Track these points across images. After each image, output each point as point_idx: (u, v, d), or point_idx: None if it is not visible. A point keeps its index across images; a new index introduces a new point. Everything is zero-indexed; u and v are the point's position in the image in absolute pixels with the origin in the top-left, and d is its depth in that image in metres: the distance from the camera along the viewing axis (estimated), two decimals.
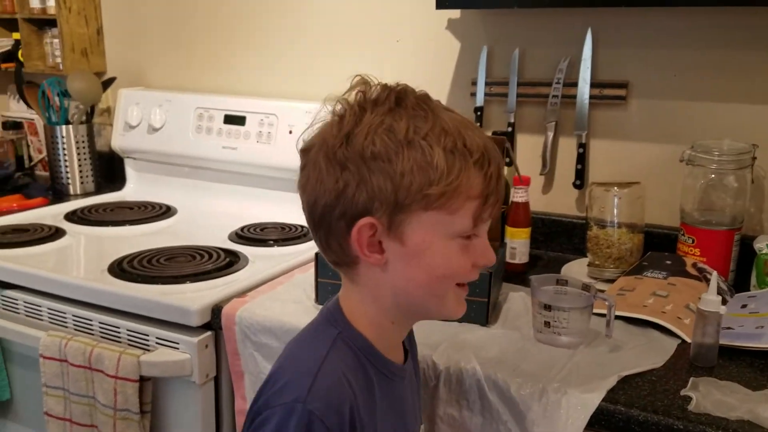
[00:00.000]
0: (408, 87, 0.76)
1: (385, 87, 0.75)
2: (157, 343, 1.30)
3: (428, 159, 0.71)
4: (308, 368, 0.75)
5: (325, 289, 1.26)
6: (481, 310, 1.19)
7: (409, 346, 0.91)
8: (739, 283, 1.38)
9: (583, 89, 1.53)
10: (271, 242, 1.63)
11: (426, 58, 1.73)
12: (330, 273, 1.25)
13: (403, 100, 0.74)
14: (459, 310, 0.83)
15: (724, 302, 1.24)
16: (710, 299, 1.05)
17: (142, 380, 1.28)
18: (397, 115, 0.72)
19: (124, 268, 1.44)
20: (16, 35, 2.28)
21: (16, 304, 1.49)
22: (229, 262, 1.49)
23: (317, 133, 0.77)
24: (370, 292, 0.80)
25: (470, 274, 0.80)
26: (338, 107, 0.76)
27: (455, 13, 1.66)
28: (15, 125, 2.35)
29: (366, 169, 0.71)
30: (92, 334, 1.38)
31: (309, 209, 0.78)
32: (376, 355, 0.81)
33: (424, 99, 0.76)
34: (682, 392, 0.97)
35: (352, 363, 0.79)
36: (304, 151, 0.78)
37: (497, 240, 1.37)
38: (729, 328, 1.14)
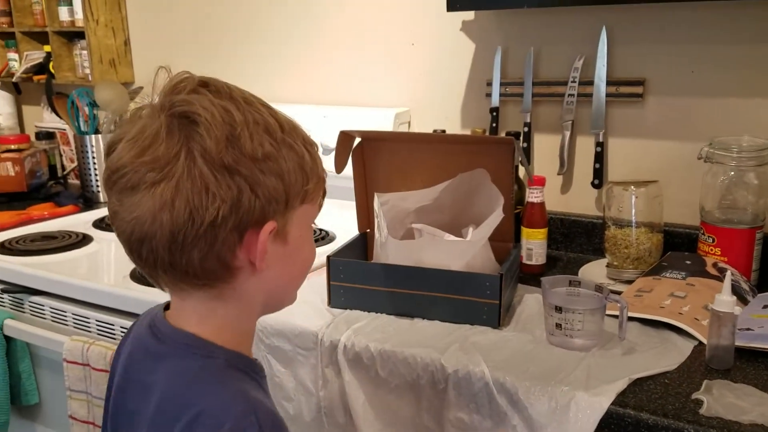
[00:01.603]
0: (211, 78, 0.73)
1: (198, 78, 0.73)
2: None
3: (300, 154, 0.71)
4: (243, 408, 0.67)
5: (337, 292, 1.27)
6: (493, 312, 1.18)
7: None
8: (762, 283, 1.34)
9: (600, 87, 1.51)
10: None
11: (441, 60, 1.73)
12: (342, 276, 1.26)
13: (232, 93, 0.71)
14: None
15: (744, 302, 1.22)
16: (724, 299, 1.02)
17: None
18: (254, 109, 0.69)
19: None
20: (47, 48, 2.35)
21: (43, 309, 1.53)
22: None
23: (160, 142, 0.65)
24: (242, 303, 0.74)
25: None
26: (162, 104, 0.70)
27: (469, 15, 1.65)
28: (48, 135, 2.41)
29: (258, 171, 0.67)
30: (114, 339, 1.41)
31: (178, 227, 0.65)
32: (254, 365, 0.75)
33: (240, 90, 0.72)
34: (694, 395, 0.95)
35: (250, 384, 0.72)
36: (147, 163, 0.65)
37: (510, 241, 1.36)
38: (748, 329, 1.11)
